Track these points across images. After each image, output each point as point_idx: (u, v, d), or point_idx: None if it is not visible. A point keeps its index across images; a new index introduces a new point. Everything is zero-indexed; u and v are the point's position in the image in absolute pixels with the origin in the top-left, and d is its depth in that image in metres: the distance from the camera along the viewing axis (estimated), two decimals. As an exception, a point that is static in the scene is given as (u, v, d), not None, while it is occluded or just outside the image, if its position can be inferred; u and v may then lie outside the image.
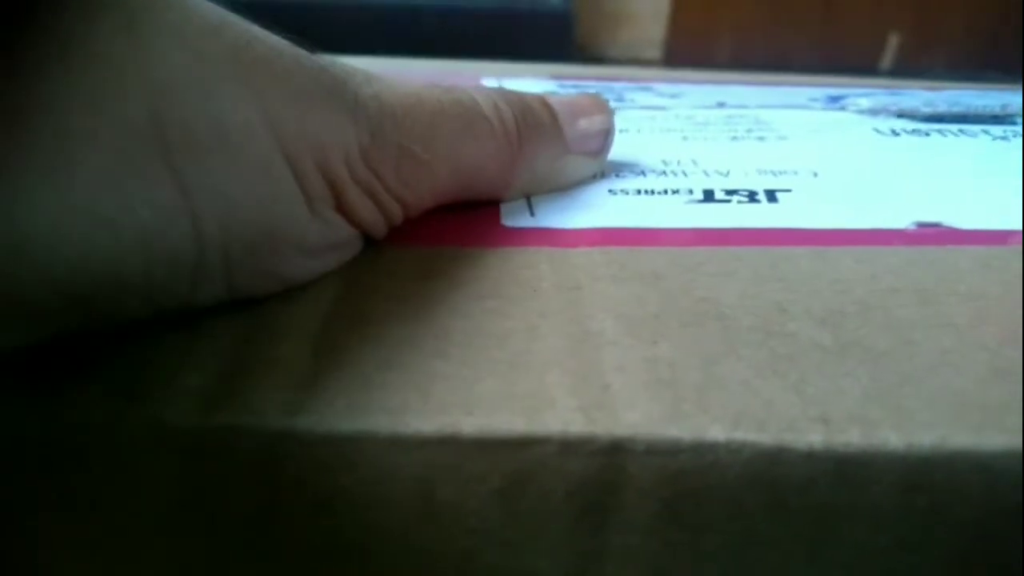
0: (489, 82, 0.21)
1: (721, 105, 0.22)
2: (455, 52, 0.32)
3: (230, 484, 0.08)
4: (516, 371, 0.08)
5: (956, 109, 0.21)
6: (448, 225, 0.12)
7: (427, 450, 0.08)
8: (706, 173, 0.15)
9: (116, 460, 0.08)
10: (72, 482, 0.08)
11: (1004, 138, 0.18)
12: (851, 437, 0.08)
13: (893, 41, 0.51)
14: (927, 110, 0.21)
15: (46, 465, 0.08)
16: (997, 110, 0.21)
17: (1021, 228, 0.13)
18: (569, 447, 0.08)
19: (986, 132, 0.19)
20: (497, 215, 0.13)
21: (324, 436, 0.08)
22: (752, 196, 0.14)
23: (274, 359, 0.09)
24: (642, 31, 0.53)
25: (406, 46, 0.35)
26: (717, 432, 0.08)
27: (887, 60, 0.52)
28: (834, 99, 0.23)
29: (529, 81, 0.24)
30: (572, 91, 0.19)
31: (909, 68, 0.50)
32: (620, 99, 0.22)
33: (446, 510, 0.08)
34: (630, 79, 0.27)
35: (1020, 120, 0.20)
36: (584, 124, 0.14)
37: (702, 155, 0.16)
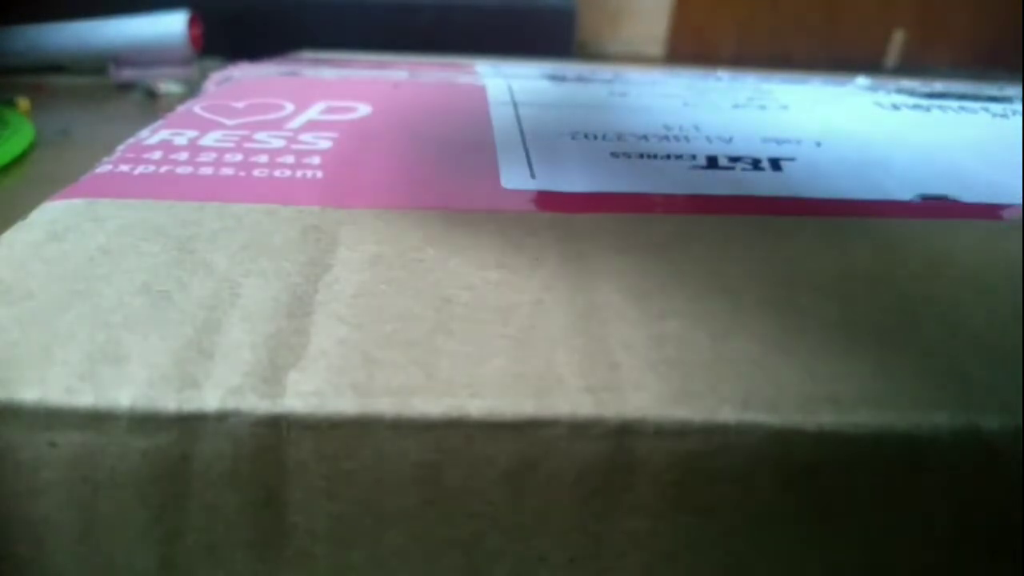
0: (488, 77, 0.20)
1: (719, 79, 0.21)
2: (455, 48, 0.31)
3: (225, 470, 0.07)
4: (523, 349, 0.08)
5: (955, 90, 0.21)
6: (446, 186, 0.12)
7: (433, 433, 0.07)
8: (709, 139, 0.15)
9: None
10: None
11: (1004, 116, 0.18)
12: (860, 417, 0.08)
13: (898, 38, 0.51)
14: (926, 90, 0.21)
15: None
16: (995, 92, 0.21)
17: (1021, 202, 0.12)
18: (578, 430, 0.07)
19: (986, 109, 0.18)
20: (496, 176, 0.13)
21: (325, 419, 0.07)
22: (756, 164, 0.14)
23: (267, 337, 0.08)
24: (644, 28, 0.52)
25: (406, 42, 0.34)
26: (727, 413, 0.08)
27: (892, 57, 0.51)
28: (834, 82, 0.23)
29: (528, 70, 0.23)
30: (572, 85, 0.18)
31: (914, 66, 0.50)
32: (617, 76, 0.22)
33: (452, 494, 0.08)
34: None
35: (1018, 100, 0.20)
36: None
37: (704, 121, 0.16)
